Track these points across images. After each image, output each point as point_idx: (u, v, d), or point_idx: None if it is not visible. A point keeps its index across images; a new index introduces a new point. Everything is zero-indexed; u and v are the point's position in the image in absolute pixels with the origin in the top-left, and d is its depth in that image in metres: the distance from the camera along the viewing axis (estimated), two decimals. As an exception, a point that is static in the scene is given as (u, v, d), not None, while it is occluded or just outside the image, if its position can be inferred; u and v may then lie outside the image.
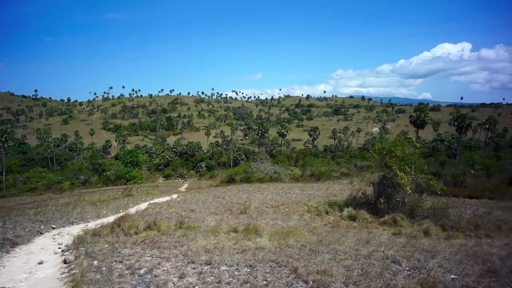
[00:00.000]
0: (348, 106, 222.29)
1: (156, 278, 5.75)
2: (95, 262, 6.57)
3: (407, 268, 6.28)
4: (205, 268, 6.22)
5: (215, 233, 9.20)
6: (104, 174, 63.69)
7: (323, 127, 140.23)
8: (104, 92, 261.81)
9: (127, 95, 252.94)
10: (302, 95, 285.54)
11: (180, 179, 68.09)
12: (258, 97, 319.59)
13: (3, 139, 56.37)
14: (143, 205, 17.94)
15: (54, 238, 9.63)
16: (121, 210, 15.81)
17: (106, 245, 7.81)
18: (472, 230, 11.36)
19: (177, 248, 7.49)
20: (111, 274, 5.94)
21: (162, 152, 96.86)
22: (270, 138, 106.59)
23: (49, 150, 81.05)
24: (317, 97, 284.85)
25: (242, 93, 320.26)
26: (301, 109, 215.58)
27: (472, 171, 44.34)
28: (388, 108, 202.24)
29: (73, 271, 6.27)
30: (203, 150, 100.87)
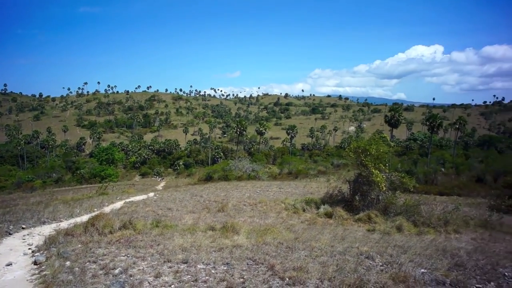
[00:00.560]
0: (325, 105, 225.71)
1: (131, 278, 5.66)
2: (68, 263, 6.40)
3: (380, 263, 6.47)
4: (182, 266, 6.18)
5: (192, 231, 9.15)
6: (78, 172, 61.82)
7: (301, 125, 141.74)
8: (79, 88, 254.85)
9: (102, 91, 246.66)
10: (281, 93, 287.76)
11: (157, 177, 67.07)
12: (237, 95, 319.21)
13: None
14: (118, 204, 17.58)
15: (24, 239, 9.28)
16: (96, 209, 15.44)
17: (79, 245, 7.61)
18: (442, 226, 11.80)
19: (153, 247, 7.40)
20: (84, 274, 5.80)
21: (139, 149, 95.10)
22: (249, 136, 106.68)
23: (19, 147, 78.02)
24: (295, 96, 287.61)
25: (221, 91, 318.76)
26: (280, 107, 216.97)
27: (443, 169, 45.92)
28: (364, 108, 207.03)
29: (44, 273, 6.08)
30: (181, 148, 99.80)
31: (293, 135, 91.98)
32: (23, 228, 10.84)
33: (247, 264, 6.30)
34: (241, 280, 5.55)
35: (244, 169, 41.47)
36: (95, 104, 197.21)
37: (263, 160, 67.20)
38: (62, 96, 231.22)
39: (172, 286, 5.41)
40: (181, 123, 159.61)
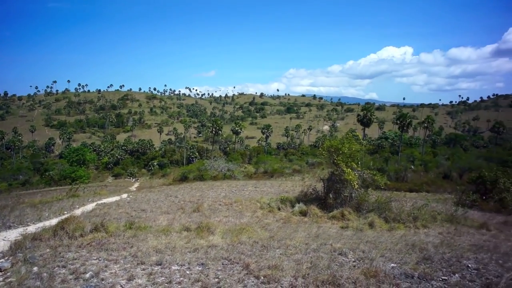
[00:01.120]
0: (300, 104, 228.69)
1: (103, 282, 5.53)
2: (35, 269, 6.15)
3: (353, 259, 6.63)
4: (156, 268, 6.09)
5: (166, 232, 9.02)
6: (46, 174, 59.46)
7: (276, 125, 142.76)
8: (47, 87, 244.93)
9: (73, 90, 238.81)
10: (256, 93, 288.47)
11: (131, 178, 65.68)
12: (212, 94, 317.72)
13: None
14: (90, 206, 17.05)
15: (-13, 245, 8.85)
16: (66, 212, 14.90)
17: (48, 250, 7.34)
18: (412, 221, 12.25)
19: (126, 250, 7.24)
20: (53, 280, 5.60)
21: (112, 150, 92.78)
22: (224, 135, 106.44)
23: (-18, 149, 74.21)
24: (271, 95, 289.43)
25: (196, 90, 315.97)
26: (255, 107, 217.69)
27: (413, 167, 47.58)
28: (338, 107, 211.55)
29: (9, 279, 5.81)
30: (155, 148, 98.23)
31: (268, 134, 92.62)
32: (-14, 233, 10.32)
33: (222, 264, 6.29)
34: (216, 280, 5.54)
35: (220, 168, 41.32)
36: (65, 103, 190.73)
37: (238, 159, 67.24)
38: (29, 95, 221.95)
39: (146, 288, 5.33)
40: (156, 123, 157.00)
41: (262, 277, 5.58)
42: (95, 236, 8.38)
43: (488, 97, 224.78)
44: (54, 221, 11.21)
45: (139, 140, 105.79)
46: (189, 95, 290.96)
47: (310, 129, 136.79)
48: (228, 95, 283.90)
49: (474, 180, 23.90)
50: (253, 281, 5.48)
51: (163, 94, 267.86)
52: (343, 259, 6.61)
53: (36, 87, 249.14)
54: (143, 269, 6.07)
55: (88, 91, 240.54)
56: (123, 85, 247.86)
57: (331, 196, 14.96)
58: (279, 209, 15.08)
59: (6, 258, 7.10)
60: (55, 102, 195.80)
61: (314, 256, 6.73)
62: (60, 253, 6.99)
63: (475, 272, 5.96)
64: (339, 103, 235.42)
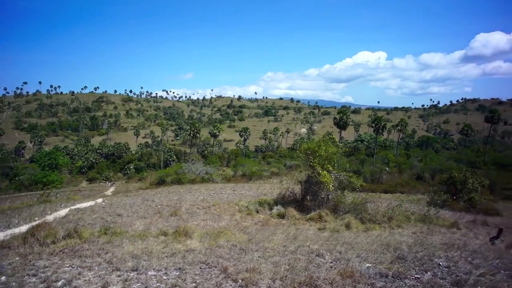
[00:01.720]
0: (278, 107, 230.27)
1: (76, 290, 5.37)
2: (3, 278, 5.90)
3: (330, 260, 6.74)
4: (131, 274, 5.97)
5: (143, 237, 8.87)
6: (16, 179, 57.11)
7: (254, 127, 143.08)
8: (17, 88, 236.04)
9: (44, 92, 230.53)
10: (234, 96, 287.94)
11: (106, 182, 64.07)
12: (190, 97, 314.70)
13: None
14: (63, 212, 16.52)
15: (-49, 254, 8.41)
16: (37, 218, 14.37)
17: (17, 258, 7.05)
18: (386, 222, 12.59)
19: (101, 256, 7.06)
20: (23, 289, 5.40)
21: (86, 153, 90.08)
22: (202, 138, 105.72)
23: None
24: (249, 98, 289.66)
25: (173, 93, 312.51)
26: (233, 109, 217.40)
27: (387, 169, 48.87)
28: (315, 110, 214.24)
29: (-24, 290, 5.57)
30: (131, 151, 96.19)
31: (246, 137, 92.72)
32: (-50, 242, 9.80)
33: (200, 268, 6.24)
34: (194, 285, 5.48)
35: (198, 172, 40.98)
36: (36, 106, 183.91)
37: (217, 162, 66.95)
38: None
39: (121, 295, 5.21)
40: (132, 126, 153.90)
41: (240, 281, 5.57)
42: (68, 242, 8.12)
43: (457, 101, 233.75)
44: (24, 228, 10.82)
45: (115, 143, 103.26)
46: (166, 97, 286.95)
47: (287, 132, 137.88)
48: (206, 97, 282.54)
49: (445, 181, 24.79)
50: (231, 285, 5.47)
51: (139, 97, 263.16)
52: (320, 261, 6.70)
53: (5, 89, 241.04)
54: (119, 276, 5.93)
55: (61, 92, 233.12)
56: (97, 87, 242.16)
57: (308, 198, 15.16)
58: (257, 212, 15.13)
59: (-28, 267, 6.78)
60: (25, 104, 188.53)
61: (292, 258, 6.79)
62: (30, 261, 6.73)
63: (446, 270, 6.18)
64: (316, 106, 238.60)
